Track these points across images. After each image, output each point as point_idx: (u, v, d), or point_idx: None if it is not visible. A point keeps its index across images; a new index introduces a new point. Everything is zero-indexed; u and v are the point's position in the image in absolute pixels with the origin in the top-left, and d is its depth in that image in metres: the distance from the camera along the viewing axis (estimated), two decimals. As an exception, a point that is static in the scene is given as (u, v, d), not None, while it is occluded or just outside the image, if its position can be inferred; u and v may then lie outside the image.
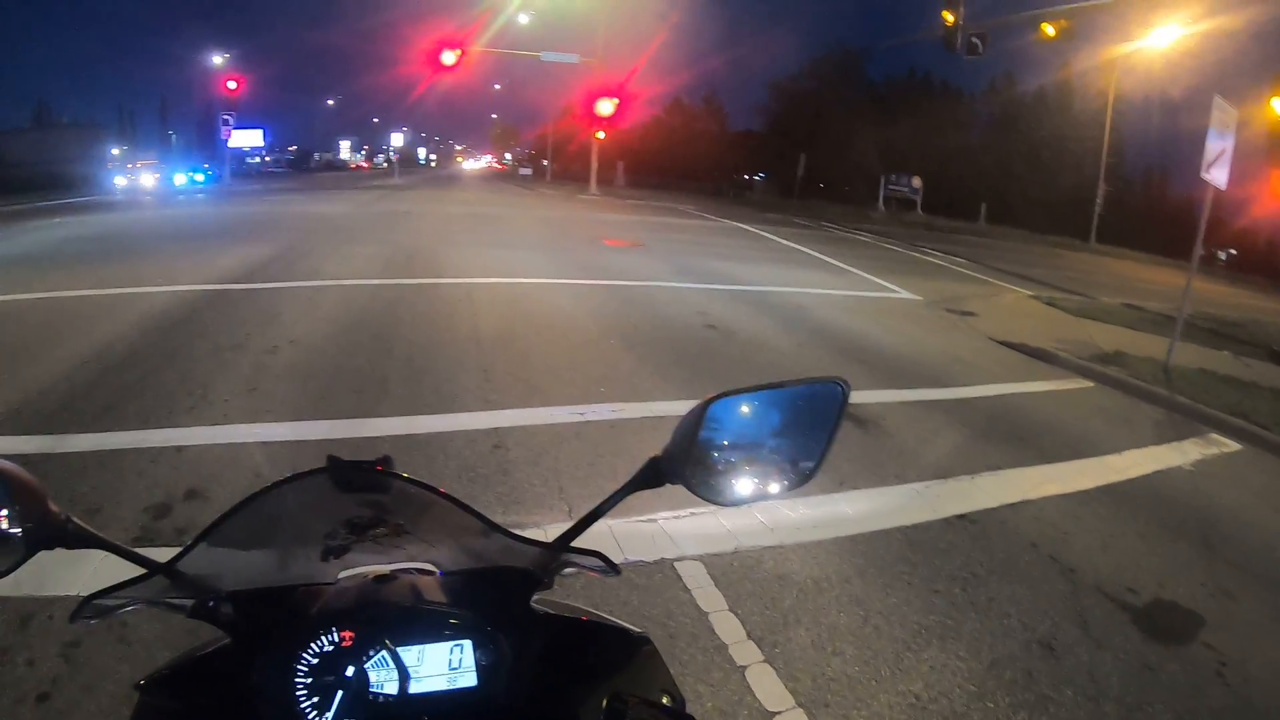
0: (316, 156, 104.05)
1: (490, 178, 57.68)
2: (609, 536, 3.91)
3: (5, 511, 0.87)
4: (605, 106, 33.18)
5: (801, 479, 1.03)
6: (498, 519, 0.98)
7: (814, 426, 1.03)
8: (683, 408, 1.00)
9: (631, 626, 1.09)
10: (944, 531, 4.54)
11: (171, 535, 3.85)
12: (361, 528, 1.01)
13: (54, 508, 0.90)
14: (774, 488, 1.02)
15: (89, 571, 3.38)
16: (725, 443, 0.99)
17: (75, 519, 0.92)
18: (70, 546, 0.92)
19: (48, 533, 0.89)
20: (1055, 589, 4.04)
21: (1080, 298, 16.05)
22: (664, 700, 0.97)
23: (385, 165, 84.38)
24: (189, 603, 0.94)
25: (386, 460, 0.96)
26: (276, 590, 0.98)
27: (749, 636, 3.34)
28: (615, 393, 6.32)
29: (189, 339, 7.53)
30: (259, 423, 5.29)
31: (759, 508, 4.36)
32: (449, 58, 31.46)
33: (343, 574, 1.01)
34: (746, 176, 51.43)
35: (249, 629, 0.94)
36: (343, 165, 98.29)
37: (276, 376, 6.32)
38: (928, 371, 8.25)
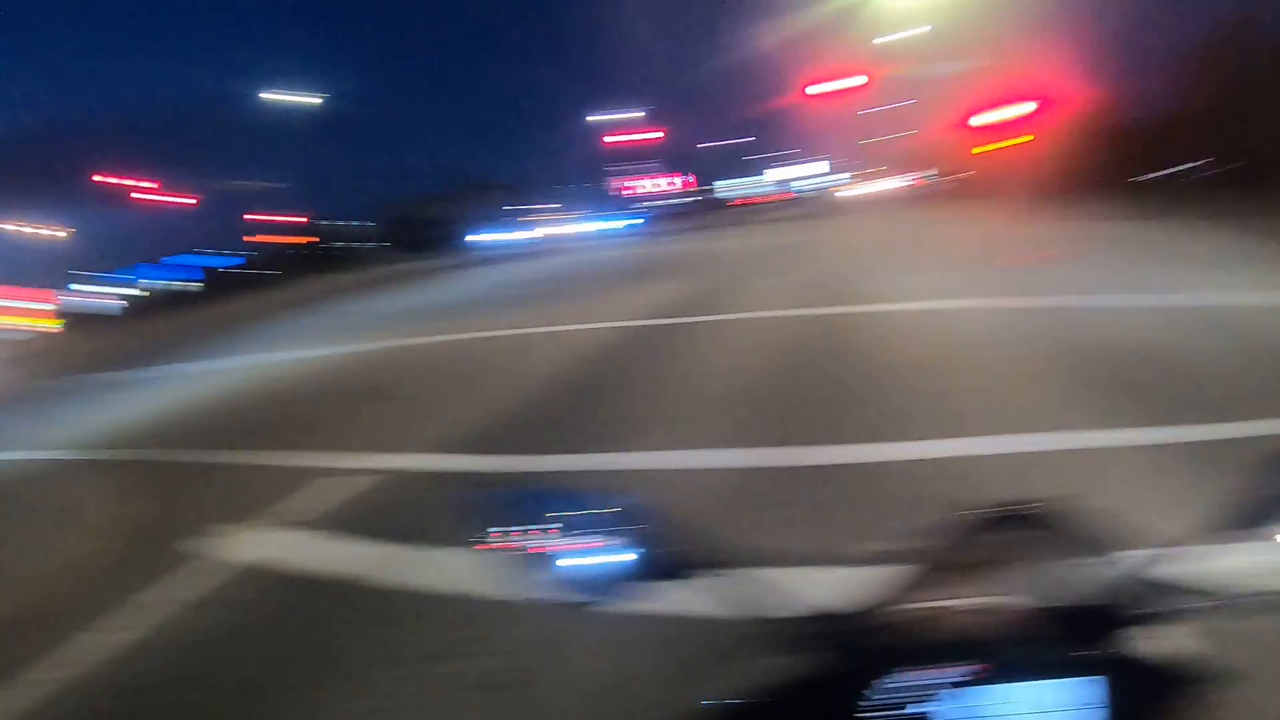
0: (715, 193, 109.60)
1: (906, 199, 56.52)
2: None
3: (641, 541, 0.99)
4: (1013, 111, 31.29)
5: None
6: None
7: None
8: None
9: (1224, 663, 0.91)
10: None
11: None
12: (953, 565, 1.01)
13: (688, 539, 1.00)
14: None
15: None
16: None
17: (708, 550, 0.99)
18: (685, 578, 0.99)
19: (663, 566, 0.99)
20: None
21: None
22: None
23: (785, 195, 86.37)
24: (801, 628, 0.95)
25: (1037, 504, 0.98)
26: (864, 614, 0.97)
27: None
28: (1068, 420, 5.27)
29: (631, 369, 7.89)
30: (700, 449, 5.25)
31: None
32: (858, 80, 31.81)
33: (908, 605, 0.98)
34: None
35: (846, 654, 0.93)
36: (723, 202, 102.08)
37: (717, 404, 6.29)
38: None
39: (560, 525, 1.04)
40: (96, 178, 39.23)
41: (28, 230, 62.76)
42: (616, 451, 5.38)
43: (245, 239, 55.70)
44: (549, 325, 11.30)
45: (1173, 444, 4.41)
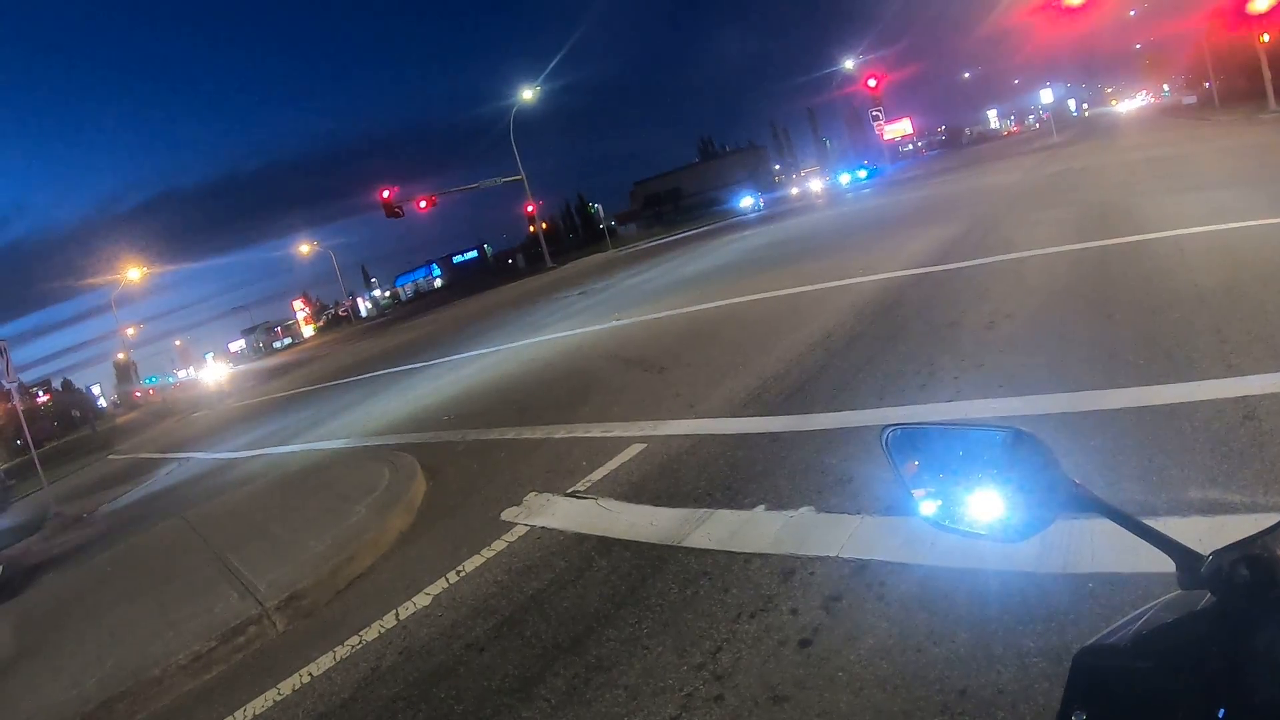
0: (967, 131, 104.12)
1: (1151, 116, 50.50)
2: None
3: (1033, 479, 0.99)
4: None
5: None
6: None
7: None
8: None
9: None
10: None
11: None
12: None
13: (1070, 476, 0.97)
14: None
15: (846, 535, 3.69)
16: None
17: (1083, 486, 0.97)
18: (1081, 512, 0.97)
19: (1065, 498, 0.97)
20: None
21: None
22: None
23: (1037, 125, 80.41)
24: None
25: None
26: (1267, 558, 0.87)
27: None
28: None
29: (904, 321, 7.82)
30: (993, 398, 5.07)
31: None
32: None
33: None
34: None
35: (1245, 595, 0.85)
36: (995, 135, 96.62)
37: (999, 351, 6.08)
38: None
39: (965, 459, 1.07)
40: (384, 193, 43.12)
41: (305, 247, 70.86)
42: (909, 404, 5.35)
43: (530, 230, 59.44)
44: (818, 283, 11.41)
45: None
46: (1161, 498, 3.29)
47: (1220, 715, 0.80)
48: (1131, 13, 57.67)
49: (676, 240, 39.81)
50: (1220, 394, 4.23)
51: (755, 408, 6.26)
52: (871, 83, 43.68)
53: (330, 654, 4.13)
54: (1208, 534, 2.88)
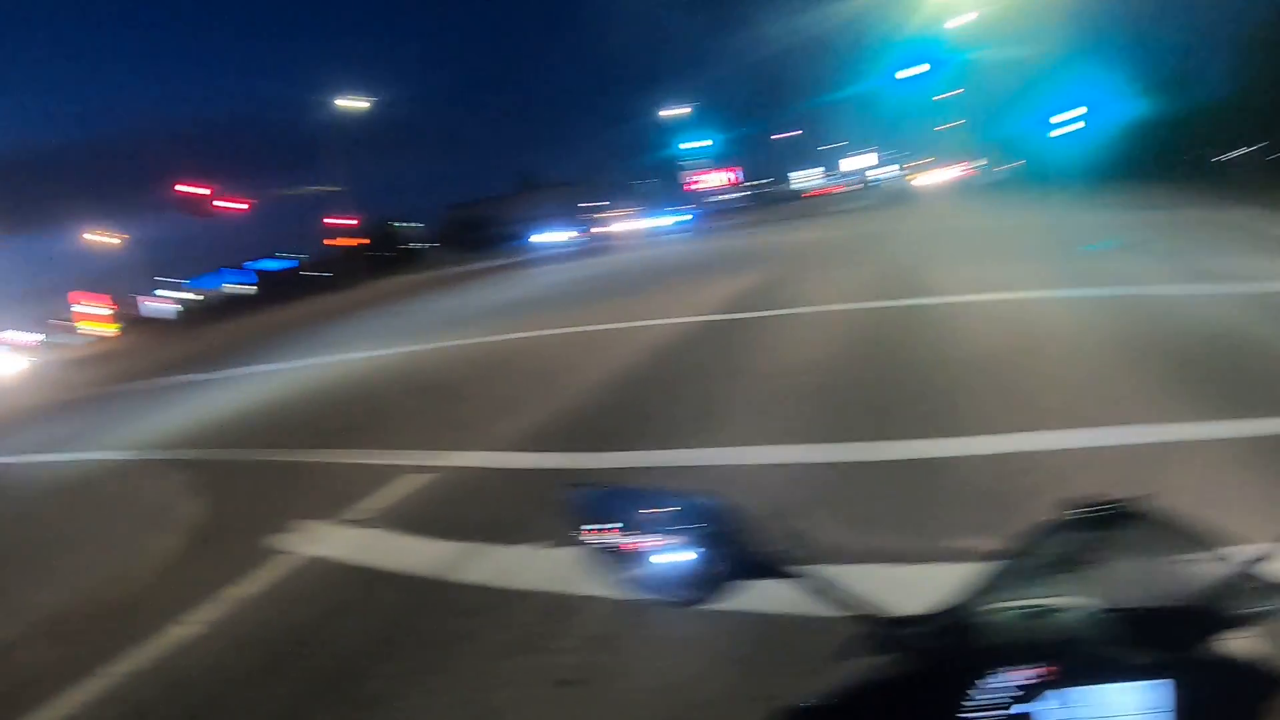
0: (776, 187, 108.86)
1: (956, 189, 55.25)
2: None
3: (725, 544, 1.02)
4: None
5: None
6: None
7: None
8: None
9: None
10: None
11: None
12: (1044, 564, 1.02)
13: (757, 542, 1.02)
14: None
15: (616, 576, 3.53)
16: None
17: (782, 552, 1.02)
18: (770, 578, 1.02)
19: (753, 565, 1.02)
20: None
21: None
22: None
23: (842, 187, 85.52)
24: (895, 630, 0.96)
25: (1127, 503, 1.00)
26: (947, 617, 0.98)
27: None
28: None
29: (695, 365, 7.95)
30: (771, 445, 5.23)
31: None
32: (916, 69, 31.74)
33: (994, 606, 0.99)
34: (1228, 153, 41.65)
35: (932, 657, 0.94)
36: (815, 192, 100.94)
37: (780, 400, 6.25)
38: None
39: (645, 521, 1.06)
40: (179, 187, 40.04)
41: (98, 238, 65.06)
42: (688, 448, 5.41)
43: (325, 241, 56.41)
44: (615, 322, 11.47)
45: (1256, 437, 4.25)
46: (913, 544, 3.48)
47: None
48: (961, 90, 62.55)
49: (486, 269, 39.31)
50: (981, 450, 4.57)
51: (542, 443, 6.14)
52: (707, 142, 45.06)
53: (82, 687, 3.56)
54: (942, 584, 2.89)
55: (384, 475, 5.88)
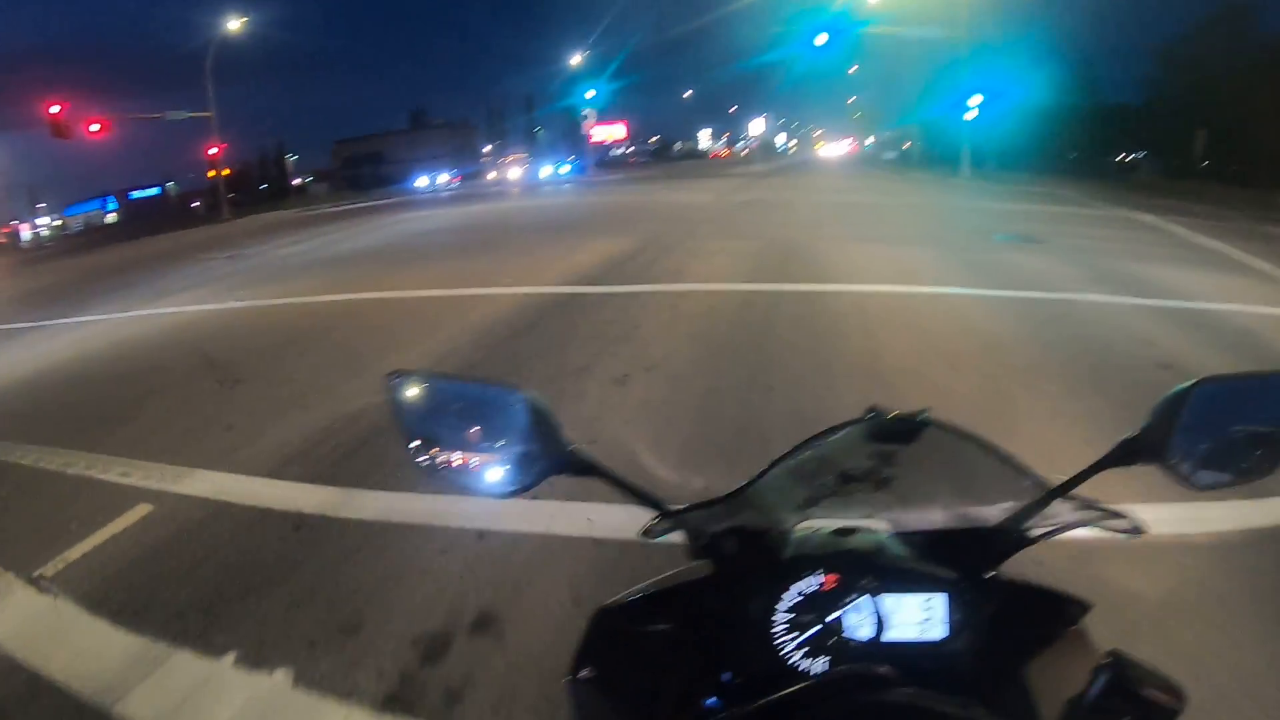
0: (677, 146, 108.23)
1: (852, 164, 55.51)
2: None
3: (531, 439, 1.03)
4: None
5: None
6: None
7: None
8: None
9: (1073, 593, 1.06)
10: None
11: None
12: (850, 479, 1.08)
13: (566, 439, 1.04)
14: (1252, 474, 1.01)
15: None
16: (1210, 428, 1.00)
17: (580, 450, 1.04)
18: (575, 474, 1.05)
19: (560, 460, 1.04)
20: None
21: None
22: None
23: (745, 152, 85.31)
24: (696, 538, 1.05)
25: (926, 412, 1.02)
26: (756, 531, 1.07)
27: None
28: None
29: (529, 356, 6.51)
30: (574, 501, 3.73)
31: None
32: (819, 39, 31.68)
33: (802, 524, 1.10)
34: (1128, 156, 43.39)
35: (738, 565, 1.04)
36: (702, 154, 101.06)
37: (625, 418, 4.89)
38: None
39: (464, 420, 1.05)
40: (51, 109, 35.91)
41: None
42: (448, 495, 3.92)
43: (209, 174, 51.91)
44: (458, 287, 9.79)
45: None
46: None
47: (725, 679, 0.99)
48: (853, 69, 63.03)
49: (355, 209, 36.65)
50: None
51: (302, 466, 4.62)
52: (591, 92, 43.76)
53: None
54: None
55: (110, 502, 4.40)
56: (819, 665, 0.97)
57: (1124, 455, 1.01)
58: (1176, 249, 12.07)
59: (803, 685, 0.89)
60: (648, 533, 1.01)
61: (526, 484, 1.02)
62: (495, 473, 1.03)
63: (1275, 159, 28.60)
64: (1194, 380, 0.98)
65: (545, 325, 7.43)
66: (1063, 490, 1.02)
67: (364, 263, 14.40)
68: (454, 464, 1.05)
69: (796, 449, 1.01)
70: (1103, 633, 0.99)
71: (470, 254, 13.80)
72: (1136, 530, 1.00)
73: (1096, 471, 1.01)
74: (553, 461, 1.02)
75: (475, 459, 1.04)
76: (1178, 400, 0.99)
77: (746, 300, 8.08)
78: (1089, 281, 8.77)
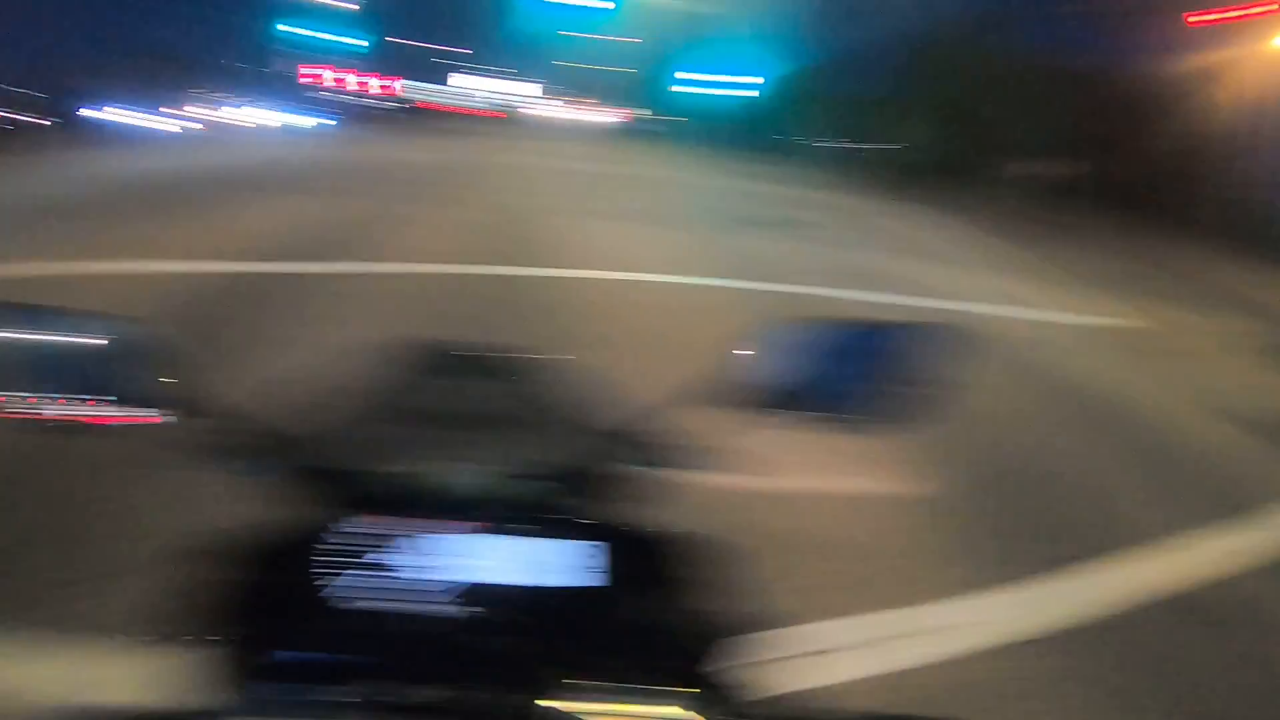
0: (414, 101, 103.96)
1: (614, 133, 55.94)
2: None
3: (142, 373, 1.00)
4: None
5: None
6: None
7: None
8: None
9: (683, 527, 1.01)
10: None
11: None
12: (450, 418, 1.07)
13: (159, 378, 1.01)
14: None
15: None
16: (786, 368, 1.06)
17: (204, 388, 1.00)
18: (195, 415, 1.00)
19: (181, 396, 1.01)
20: None
21: None
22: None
23: (512, 111, 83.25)
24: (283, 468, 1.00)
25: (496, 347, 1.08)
26: (340, 470, 1.00)
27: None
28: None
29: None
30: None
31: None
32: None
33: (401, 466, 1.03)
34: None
35: (318, 498, 0.97)
36: (454, 109, 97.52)
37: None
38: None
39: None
40: None
41: None
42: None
43: None
44: (104, 259, 7.51)
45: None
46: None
47: (299, 622, 0.86)
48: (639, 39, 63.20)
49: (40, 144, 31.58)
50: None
51: None
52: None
53: None
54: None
55: None
56: (398, 607, 0.85)
57: (706, 393, 1.06)
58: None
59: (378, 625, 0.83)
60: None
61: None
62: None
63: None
64: (774, 322, 1.07)
65: (193, 320, 5.74)
66: (646, 427, 1.04)
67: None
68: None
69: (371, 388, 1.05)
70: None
71: (167, 210, 10.75)
72: (709, 468, 1.03)
73: (683, 407, 1.06)
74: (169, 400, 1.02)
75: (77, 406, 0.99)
76: (758, 341, 1.07)
77: (456, 286, 7.07)
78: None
